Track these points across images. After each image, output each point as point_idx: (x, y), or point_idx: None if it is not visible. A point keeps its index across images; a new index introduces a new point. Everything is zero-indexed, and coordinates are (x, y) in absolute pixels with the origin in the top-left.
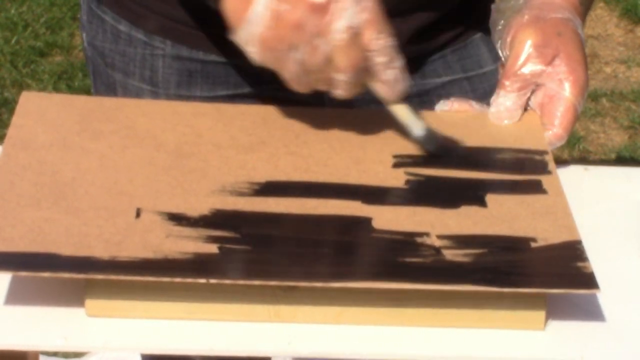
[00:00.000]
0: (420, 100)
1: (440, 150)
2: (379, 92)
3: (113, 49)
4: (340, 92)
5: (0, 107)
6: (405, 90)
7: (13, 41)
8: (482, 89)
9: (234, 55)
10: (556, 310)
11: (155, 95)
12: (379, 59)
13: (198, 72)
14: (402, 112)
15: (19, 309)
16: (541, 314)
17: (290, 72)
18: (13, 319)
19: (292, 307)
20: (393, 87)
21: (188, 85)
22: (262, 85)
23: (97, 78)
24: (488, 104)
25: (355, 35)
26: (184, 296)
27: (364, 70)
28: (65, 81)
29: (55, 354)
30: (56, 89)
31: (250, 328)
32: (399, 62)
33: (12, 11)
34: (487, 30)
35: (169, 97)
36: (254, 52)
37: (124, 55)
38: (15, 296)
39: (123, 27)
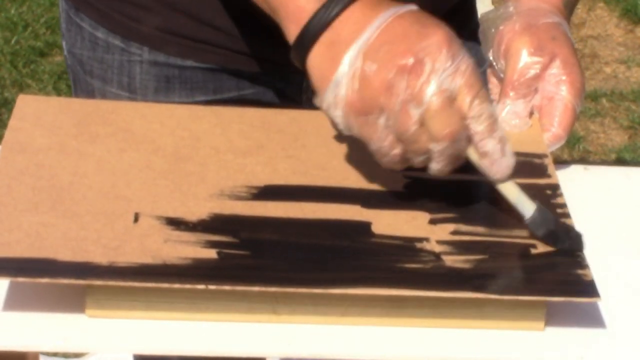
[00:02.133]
0: None
1: (551, 234)
2: (481, 167)
3: (91, 56)
4: (436, 166)
5: (0, 107)
6: (512, 166)
7: (13, 41)
8: None
9: (212, 60)
10: (556, 311)
11: (133, 101)
12: (477, 127)
13: (176, 77)
14: (509, 190)
15: (19, 310)
16: (541, 315)
17: (380, 141)
18: (13, 319)
19: (292, 308)
20: (496, 161)
21: (166, 91)
22: (240, 91)
23: (77, 86)
24: None
25: (449, 99)
26: (184, 298)
27: (461, 140)
28: (66, 81)
29: (55, 354)
30: (56, 89)
31: (249, 329)
32: (499, 133)
33: (12, 11)
34: (467, 36)
35: None
36: (338, 116)
37: (101, 62)
38: (16, 297)
39: (101, 34)
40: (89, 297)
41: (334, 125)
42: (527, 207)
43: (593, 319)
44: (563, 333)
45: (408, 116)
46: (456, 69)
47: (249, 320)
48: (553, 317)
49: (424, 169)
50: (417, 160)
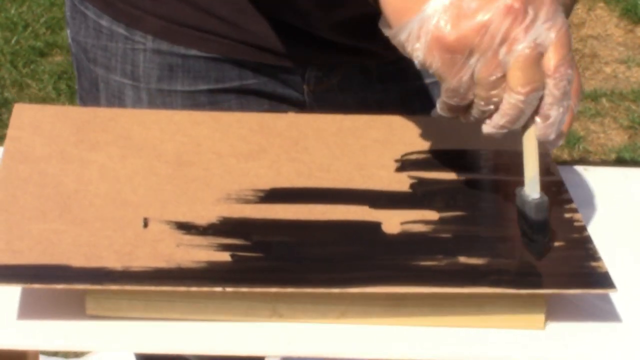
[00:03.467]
0: (401, 102)
1: (540, 225)
2: (534, 126)
3: (95, 44)
4: (499, 119)
5: (0, 107)
6: (562, 135)
7: (13, 41)
8: None
9: (215, 49)
10: (556, 310)
11: (136, 89)
12: (554, 90)
13: (179, 66)
14: (534, 160)
15: (19, 309)
16: (541, 314)
17: (458, 81)
18: (13, 318)
19: (293, 307)
20: (552, 127)
21: (169, 79)
22: (243, 81)
23: (80, 74)
24: None
25: (540, 54)
26: (184, 298)
27: (535, 99)
28: (66, 81)
29: (55, 353)
30: (56, 89)
31: (249, 328)
32: (568, 102)
33: (12, 11)
34: None
35: (150, 91)
36: (419, 49)
37: (105, 50)
38: (15, 296)
39: (105, 22)
40: (89, 297)
41: (409, 56)
42: (535, 188)
43: (593, 317)
44: (564, 331)
45: (497, 61)
46: (553, 24)
47: (248, 320)
48: (553, 315)
49: (426, 169)
50: (483, 109)
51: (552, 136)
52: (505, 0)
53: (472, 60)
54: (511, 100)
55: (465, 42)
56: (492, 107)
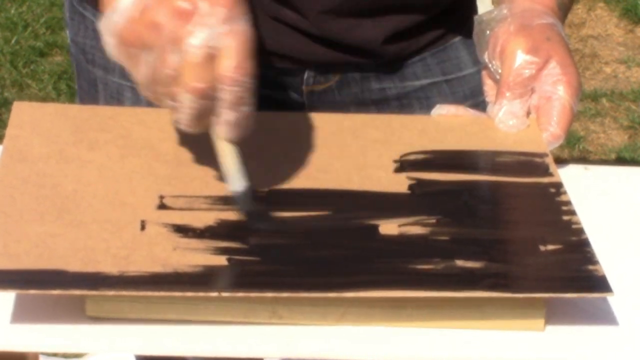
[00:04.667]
0: (399, 103)
1: (253, 215)
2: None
3: (94, 46)
4: (181, 116)
5: (0, 107)
6: (244, 134)
7: (13, 41)
8: (461, 92)
9: None
10: (556, 310)
11: (135, 91)
12: (227, 96)
13: None
14: (229, 156)
15: (19, 309)
16: (541, 315)
17: (140, 75)
18: (13, 319)
19: (293, 309)
20: (227, 129)
21: None
22: None
23: (80, 75)
24: (469, 107)
25: (210, 57)
26: (184, 299)
27: (210, 100)
28: (66, 81)
29: (55, 354)
30: (56, 89)
31: (249, 329)
32: (247, 108)
33: (12, 11)
34: (467, 34)
35: None
36: (111, 44)
37: (104, 52)
38: (15, 296)
39: None
40: (89, 299)
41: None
42: (238, 180)
43: (593, 318)
44: (563, 333)
45: (167, 59)
46: (228, 30)
47: (248, 322)
48: (553, 316)
49: (425, 170)
50: (168, 104)
51: (230, 136)
52: (174, 2)
53: (149, 57)
54: (185, 99)
55: (138, 38)
56: (173, 103)
